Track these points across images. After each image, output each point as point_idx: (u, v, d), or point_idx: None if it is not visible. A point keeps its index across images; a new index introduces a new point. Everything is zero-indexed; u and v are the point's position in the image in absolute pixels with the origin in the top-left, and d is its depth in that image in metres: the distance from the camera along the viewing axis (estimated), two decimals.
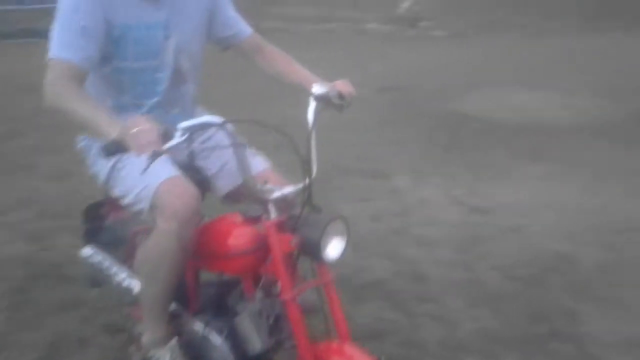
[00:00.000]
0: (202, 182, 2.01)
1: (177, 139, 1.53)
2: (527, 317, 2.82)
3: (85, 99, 1.66)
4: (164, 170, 1.82)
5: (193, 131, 1.57)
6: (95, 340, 2.62)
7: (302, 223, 1.69)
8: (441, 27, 13.37)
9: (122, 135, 1.48)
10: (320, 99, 1.92)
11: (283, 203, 1.74)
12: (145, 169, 1.49)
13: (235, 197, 2.08)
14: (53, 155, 5.01)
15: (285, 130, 1.69)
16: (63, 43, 1.70)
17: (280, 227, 1.72)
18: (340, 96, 1.95)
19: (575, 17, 14.59)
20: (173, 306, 2.03)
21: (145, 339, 2.01)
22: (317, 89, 1.94)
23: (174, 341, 1.98)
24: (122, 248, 2.20)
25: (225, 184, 2.07)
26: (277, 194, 1.73)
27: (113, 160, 1.87)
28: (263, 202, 1.73)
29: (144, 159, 1.50)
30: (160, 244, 1.82)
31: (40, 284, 3.06)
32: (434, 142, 5.60)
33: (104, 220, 2.29)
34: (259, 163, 2.03)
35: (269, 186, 1.74)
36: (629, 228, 3.80)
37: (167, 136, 1.52)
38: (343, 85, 1.96)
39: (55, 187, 4.44)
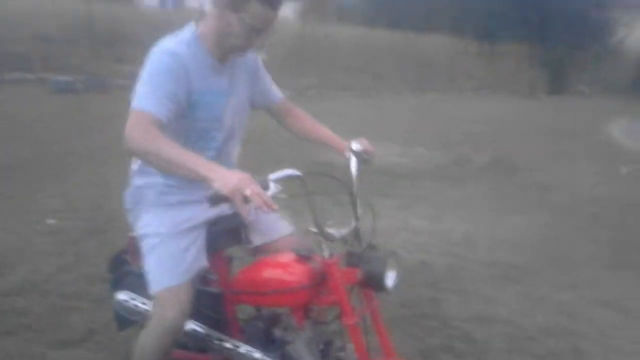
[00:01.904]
0: (236, 231, 2.23)
1: (273, 190, 1.72)
2: (400, 305, 3.55)
3: (176, 145, 1.78)
4: (180, 269, 2.06)
5: (280, 182, 1.76)
6: None
7: (363, 259, 1.98)
8: (285, 86, 14.45)
9: (233, 193, 1.63)
10: (357, 154, 2.27)
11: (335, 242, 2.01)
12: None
13: (263, 250, 2.28)
14: None
15: (348, 185, 2.15)
16: (151, 99, 1.84)
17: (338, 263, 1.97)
18: (366, 152, 2.29)
19: (397, 80, 16.64)
20: (217, 336, 2.24)
21: None
22: (356, 146, 2.28)
23: None
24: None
25: (259, 237, 2.28)
26: (339, 235, 2.01)
27: (157, 228, 2.10)
28: (324, 242, 1.97)
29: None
30: (152, 334, 2.06)
31: None
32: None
33: (128, 266, 2.43)
34: (283, 227, 2.31)
35: (332, 230, 2.01)
36: (464, 241, 4.86)
37: (264, 188, 1.69)
38: (367, 143, 2.31)
39: None
